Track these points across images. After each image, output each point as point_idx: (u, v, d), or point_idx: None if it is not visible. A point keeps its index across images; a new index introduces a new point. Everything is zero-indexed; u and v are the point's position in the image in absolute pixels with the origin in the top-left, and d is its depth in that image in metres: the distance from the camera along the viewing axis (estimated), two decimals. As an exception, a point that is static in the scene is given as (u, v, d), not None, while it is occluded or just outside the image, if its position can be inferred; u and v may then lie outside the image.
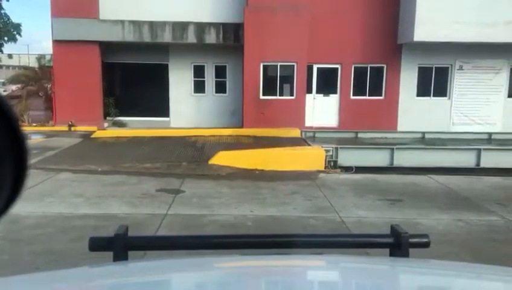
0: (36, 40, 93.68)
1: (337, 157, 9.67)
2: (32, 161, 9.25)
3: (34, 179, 7.66)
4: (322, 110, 14.67)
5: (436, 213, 6.44)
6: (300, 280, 1.15)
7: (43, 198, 6.63)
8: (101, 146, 11.54)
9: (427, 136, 12.88)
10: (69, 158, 9.67)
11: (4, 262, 4.39)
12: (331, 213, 6.33)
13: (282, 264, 1.26)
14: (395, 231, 1.29)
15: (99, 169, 8.65)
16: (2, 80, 35.21)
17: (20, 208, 5.92)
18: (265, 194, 7.28)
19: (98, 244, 1.27)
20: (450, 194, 7.70)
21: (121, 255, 1.21)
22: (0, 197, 0.63)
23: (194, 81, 15.74)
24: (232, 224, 5.76)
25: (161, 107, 15.74)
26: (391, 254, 1.29)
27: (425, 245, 1.31)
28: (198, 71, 15.69)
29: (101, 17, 14.16)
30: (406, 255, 1.25)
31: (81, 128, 13.98)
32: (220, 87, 15.86)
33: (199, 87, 15.79)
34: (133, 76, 15.57)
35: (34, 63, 52.95)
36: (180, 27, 14.27)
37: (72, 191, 7.08)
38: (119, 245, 1.21)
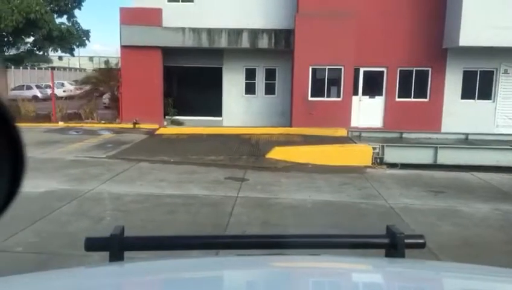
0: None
1: (383, 154, 10.46)
2: (112, 152, 10.67)
3: (120, 167, 9.00)
4: (367, 112, 15.42)
5: (476, 203, 7.17)
6: (296, 280, 1.16)
7: (133, 182, 7.88)
8: (166, 141, 12.84)
9: (470, 137, 13.37)
10: (142, 151, 10.99)
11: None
12: (380, 200, 7.20)
13: (279, 265, 1.27)
14: (390, 232, 1.27)
15: (172, 160, 9.87)
16: (61, 81, 37.60)
17: (118, 188, 7.23)
18: (320, 184, 8.24)
19: (94, 245, 1.25)
20: (491, 189, 8.37)
21: (117, 256, 1.21)
22: None
23: (246, 83, 16.88)
24: (294, 206, 6.76)
25: (215, 107, 16.97)
26: (387, 255, 1.28)
27: (421, 246, 1.29)
28: (250, 74, 16.82)
29: (164, 24, 15.55)
30: (401, 255, 1.24)
31: (144, 125, 15.39)
32: (270, 89, 16.92)
33: (250, 88, 16.92)
34: (189, 78, 16.89)
35: (84, 65, 56.01)
36: (235, 33, 15.44)
37: (155, 177, 8.31)
38: (115, 245, 1.21)
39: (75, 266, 1.38)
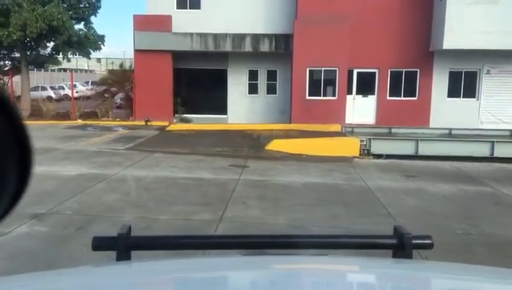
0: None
1: (370, 146, 11.75)
2: (129, 145, 12.04)
3: (137, 157, 10.36)
4: (361, 110, 16.69)
5: (442, 184, 8.45)
6: (301, 281, 1.16)
7: (150, 168, 9.23)
8: (177, 136, 14.19)
9: (453, 132, 14.60)
10: (155, 144, 12.35)
11: (145, 198, 6.93)
12: (360, 182, 8.50)
13: (283, 265, 1.27)
14: (398, 232, 1.26)
15: (182, 151, 11.21)
16: (74, 82, 38.81)
17: (139, 173, 8.60)
18: (311, 170, 9.55)
19: (101, 244, 1.25)
20: (459, 174, 9.64)
21: (123, 255, 1.22)
22: (3, 196, 0.61)
23: (249, 83, 18.23)
24: (286, 185, 8.08)
25: (220, 106, 18.32)
26: (394, 255, 1.27)
27: (429, 246, 1.28)
28: (253, 75, 18.17)
29: (174, 30, 16.91)
30: (409, 256, 1.23)
31: (156, 123, 16.75)
32: (271, 89, 18.27)
33: (253, 89, 18.27)
34: (197, 79, 18.26)
35: (92, 67, 57.52)
36: (239, 38, 16.78)
37: (168, 164, 9.66)
38: (122, 245, 1.21)
39: (82, 266, 1.36)
